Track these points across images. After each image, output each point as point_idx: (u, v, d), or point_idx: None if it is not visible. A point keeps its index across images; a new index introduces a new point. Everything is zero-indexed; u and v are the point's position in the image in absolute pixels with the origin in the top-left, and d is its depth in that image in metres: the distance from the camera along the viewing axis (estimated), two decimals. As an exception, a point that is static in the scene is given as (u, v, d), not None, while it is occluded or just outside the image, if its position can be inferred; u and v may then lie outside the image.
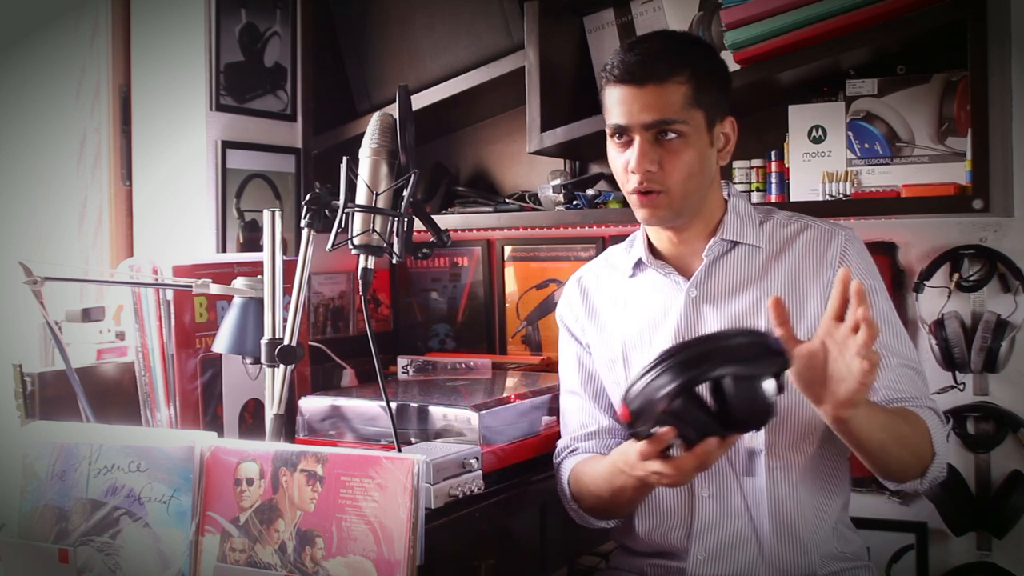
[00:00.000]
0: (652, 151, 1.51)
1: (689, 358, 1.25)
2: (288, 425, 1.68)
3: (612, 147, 1.58)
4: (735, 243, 1.61)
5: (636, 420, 1.29)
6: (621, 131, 1.54)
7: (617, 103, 1.53)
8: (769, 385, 1.27)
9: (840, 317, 1.31)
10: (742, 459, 1.56)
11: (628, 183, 1.56)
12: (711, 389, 1.29)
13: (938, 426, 1.49)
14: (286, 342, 1.61)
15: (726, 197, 1.64)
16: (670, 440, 1.30)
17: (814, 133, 1.97)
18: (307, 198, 1.61)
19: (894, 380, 1.51)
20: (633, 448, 1.35)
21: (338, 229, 1.56)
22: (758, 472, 1.55)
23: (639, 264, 1.68)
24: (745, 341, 1.28)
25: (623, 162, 1.55)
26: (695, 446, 1.29)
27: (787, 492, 1.54)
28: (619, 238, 2.32)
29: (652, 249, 1.67)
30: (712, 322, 1.58)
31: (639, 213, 1.58)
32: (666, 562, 1.62)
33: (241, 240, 2.30)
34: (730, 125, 1.59)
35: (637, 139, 1.52)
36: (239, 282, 1.77)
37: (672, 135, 1.51)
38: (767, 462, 1.54)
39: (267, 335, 1.63)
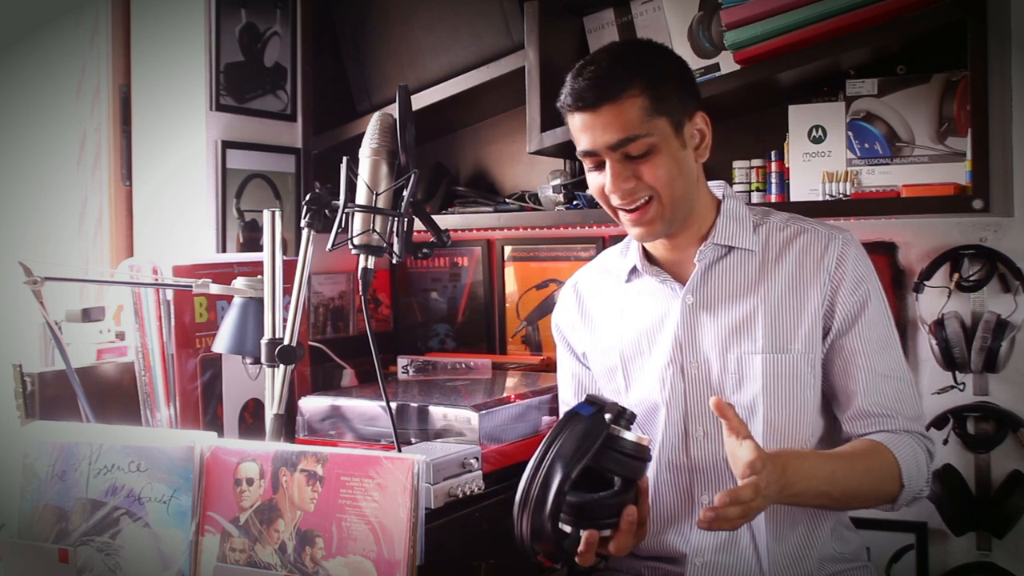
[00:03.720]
0: (624, 169, 1.50)
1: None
2: (288, 425, 1.68)
3: (588, 172, 1.56)
4: (729, 248, 1.59)
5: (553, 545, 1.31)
6: (590, 155, 1.52)
7: (579, 130, 1.51)
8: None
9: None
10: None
11: (610, 202, 1.54)
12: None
13: (912, 454, 1.48)
14: (286, 342, 1.61)
15: (720, 198, 1.62)
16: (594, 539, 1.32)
17: (814, 133, 1.97)
18: (307, 198, 1.61)
19: (877, 395, 1.51)
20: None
21: (338, 229, 1.56)
22: None
23: (634, 271, 1.66)
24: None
25: (599, 185, 1.53)
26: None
27: None
28: (619, 238, 2.32)
29: (647, 255, 1.65)
30: (710, 330, 1.57)
31: (633, 232, 1.56)
32: (664, 565, 1.61)
33: (241, 240, 2.30)
34: (701, 120, 1.55)
35: (608, 161, 1.50)
36: (239, 282, 1.77)
37: (641, 149, 1.48)
38: None
39: (267, 335, 1.63)
